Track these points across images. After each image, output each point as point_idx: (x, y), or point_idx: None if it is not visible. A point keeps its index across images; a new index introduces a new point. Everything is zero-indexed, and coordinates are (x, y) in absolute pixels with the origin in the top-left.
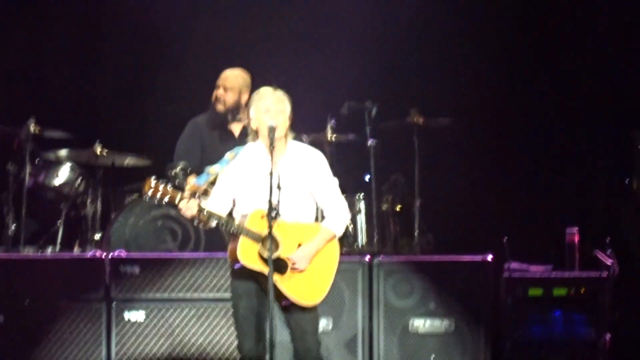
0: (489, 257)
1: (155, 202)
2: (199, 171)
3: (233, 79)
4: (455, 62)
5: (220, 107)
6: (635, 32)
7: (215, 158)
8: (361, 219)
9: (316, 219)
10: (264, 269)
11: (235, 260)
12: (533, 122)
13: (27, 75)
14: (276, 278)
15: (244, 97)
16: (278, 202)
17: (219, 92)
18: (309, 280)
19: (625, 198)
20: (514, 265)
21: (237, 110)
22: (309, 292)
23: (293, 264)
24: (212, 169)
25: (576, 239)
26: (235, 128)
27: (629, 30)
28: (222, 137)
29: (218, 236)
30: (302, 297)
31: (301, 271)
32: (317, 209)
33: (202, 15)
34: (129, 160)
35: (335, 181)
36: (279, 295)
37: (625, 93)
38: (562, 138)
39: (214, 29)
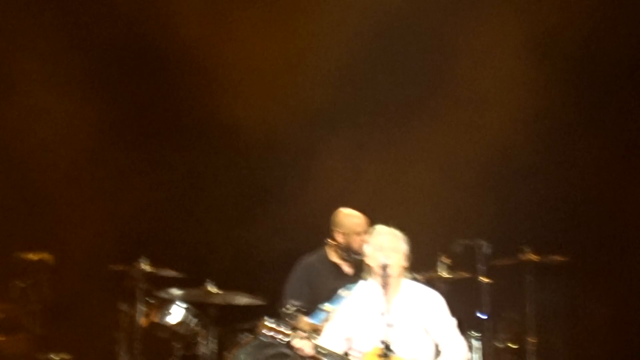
0: None
1: (272, 341)
2: (310, 310)
3: (359, 221)
4: (568, 199)
5: (336, 250)
6: None
7: (327, 296)
8: (476, 357)
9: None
10: None
11: None
12: None
13: (138, 215)
14: None
15: (360, 239)
16: (391, 340)
17: (337, 236)
18: None
19: None
20: None
21: (350, 249)
22: None
23: None
24: (327, 307)
25: None
26: (348, 266)
27: None
28: (334, 275)
29: None
30: None
31: None
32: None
33: (313, 155)
34: (242, 299)
35: (453, 320)
36: None
37: None
38: None
39: (322, 169)
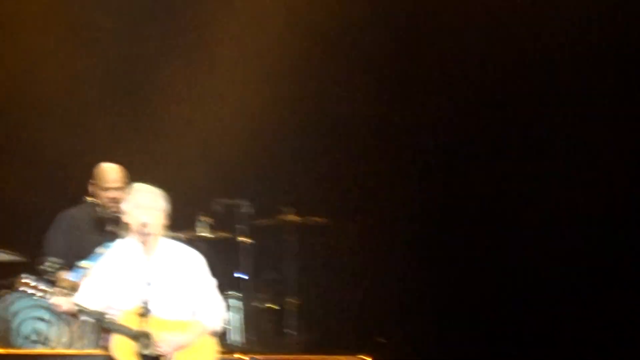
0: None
1: (30, 295)
2: (69, 265)
3: (109, 175)
4: (330, 161)
5: (97, 203)
6: None
7: (90, 251)
8: (238, 317)
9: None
10: None
11: (110, 356)
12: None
13: None
14: None
15: (107, 196)
16: (150, 299)
17: (96, 189)
18: None
19: None
20: None
21: (110, 204)
22: None
23: (157, 346)
24: (84, 264)
25: None
26: (108, 222)
27: None
28: (96, 230)
29: (91, 334)
30: None
31: (164, 355)
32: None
33: (59, 106)
34: (1, 256)
35: (213, 281)
36: None
37: None
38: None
39: (79, 121)
